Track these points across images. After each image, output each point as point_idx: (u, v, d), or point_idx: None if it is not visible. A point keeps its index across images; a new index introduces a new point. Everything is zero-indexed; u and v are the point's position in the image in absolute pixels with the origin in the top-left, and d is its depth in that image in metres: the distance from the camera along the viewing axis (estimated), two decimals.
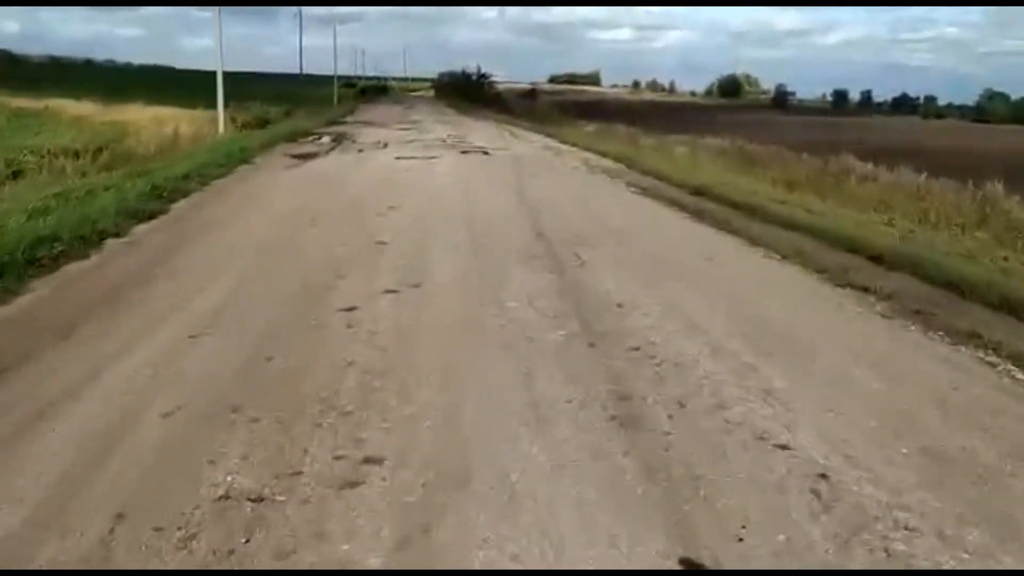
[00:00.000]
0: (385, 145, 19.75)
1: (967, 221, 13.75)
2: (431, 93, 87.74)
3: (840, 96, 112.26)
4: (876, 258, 8.43)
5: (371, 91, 75.85)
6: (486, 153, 18.43)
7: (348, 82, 77.63)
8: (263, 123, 25.97)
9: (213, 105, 27.87)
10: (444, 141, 21.51)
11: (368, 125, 28.92)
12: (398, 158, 16.48)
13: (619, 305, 5.96)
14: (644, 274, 7.01)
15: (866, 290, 6.85)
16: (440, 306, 5.86)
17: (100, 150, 19.53)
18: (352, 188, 11.92)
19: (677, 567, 2.85)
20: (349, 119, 33.13)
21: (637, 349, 4.98)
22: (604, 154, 20.18)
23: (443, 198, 11.05)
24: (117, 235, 8.07)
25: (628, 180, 14.58)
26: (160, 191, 10.58)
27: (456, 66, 75.27)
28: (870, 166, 22.04)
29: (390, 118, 34.35)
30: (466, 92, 62.32)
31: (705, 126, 41.68)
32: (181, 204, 10.17)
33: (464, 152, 18.45)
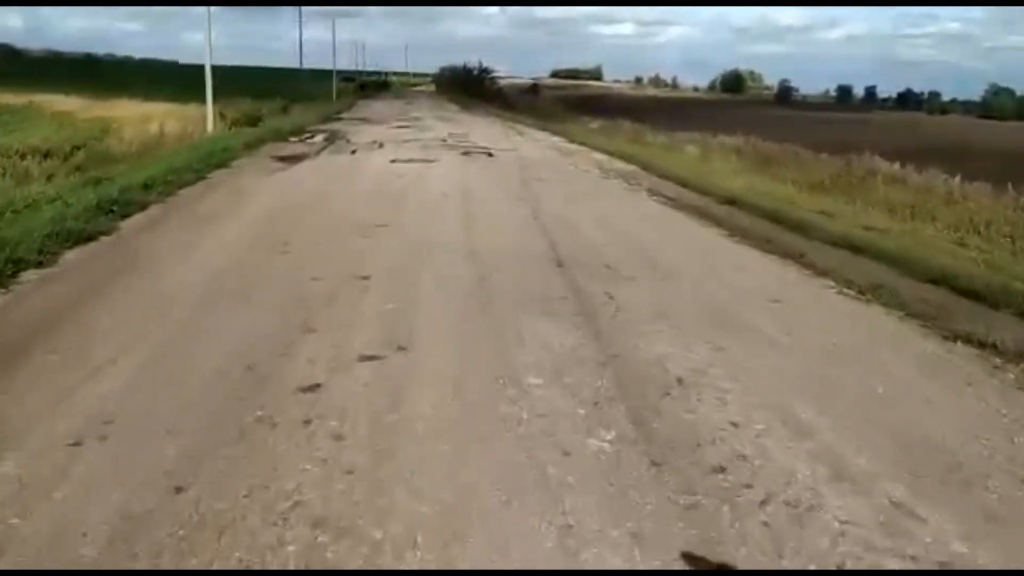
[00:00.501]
0: (381, 145, 18.09)
1: (1016, 232, 12.22)
2: (432, 88, 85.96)
3: (844, 92, 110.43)
4: (970, 294, 6.83)
5: (371, 86, 74.00)
6: (490, 155, 16.78)
7: (348, 77, 75.88)
8: (255, 120, 24.33)
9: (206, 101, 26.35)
10: (444, 141, 19.86)
11: (365, 122, 27.25)
12: (393, 161, 14.83)
13: (679, 381, 4.33)
14: (701, 326, 5.37)
15: (983, 346, 5.24)
16: (435, 384, 4.23)
17: (76, 149, 17.96)
18: (338, 199, 10.29)
19: None
20: (346, 115, 31.45)
21: (722, 471, 3.36)
22: (615, 155, 18.56)
23: (442, 213, 9.41)
24: (40, 264, 6.45)
25: (648, 186, 12.95)
26: (112, 204, 8.93)
27: (457, 61, 73.39)
28: (896, 167, 20.53)
29: (389, 115, 32.66)
30: (468, 87, 60.59)
31: (712, 123, 40.14)
32: (133, 221, 8.51)
33: (466, 153, 16.80)
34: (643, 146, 25.09)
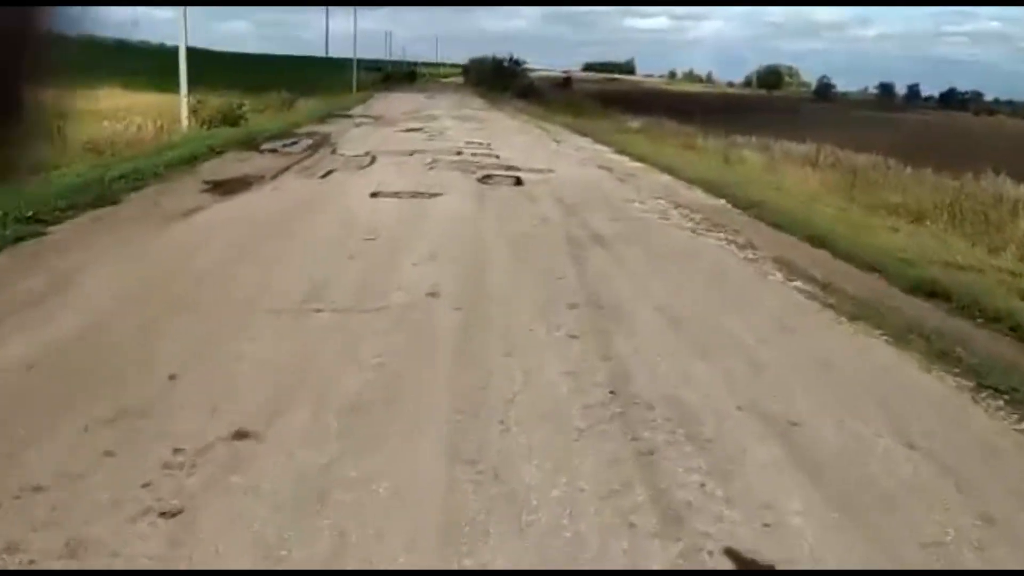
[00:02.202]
0: (372, 160, 13.00)
1: None
2: (461, 80, 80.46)
3: (886, 90, 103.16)
4: None
5: (397, 78, 68.84)
6: (518, 181, 11.54)
7: (376, 67, 70.92)
8: (234, 119, 19.33)
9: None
10: (460, 153, 14.68)
11: (372, 121, 22.20)
12: (375, 194, 9.70)
13: None
14: None
15: None
16: None
17: None
18: (229, 304, 5.20)
19: None
20: (355, 111, 26.40)
21: None
22: (681, 175, 13.43)
23: (406, 376, 4.20)
24: None
25: (767, 250, 7.74)
26: None
27: (489, 52, 67.15)
28: None
29: (403, 111, 27.51)
30: (497, 80, 55.11)
31: (764, 123, 35.08)
32: None
33: (485, 179, 11.58)
34: (698, 154, 19.97)
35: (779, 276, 6.90)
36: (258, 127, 18.92)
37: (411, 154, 14.02)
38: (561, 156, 15.71)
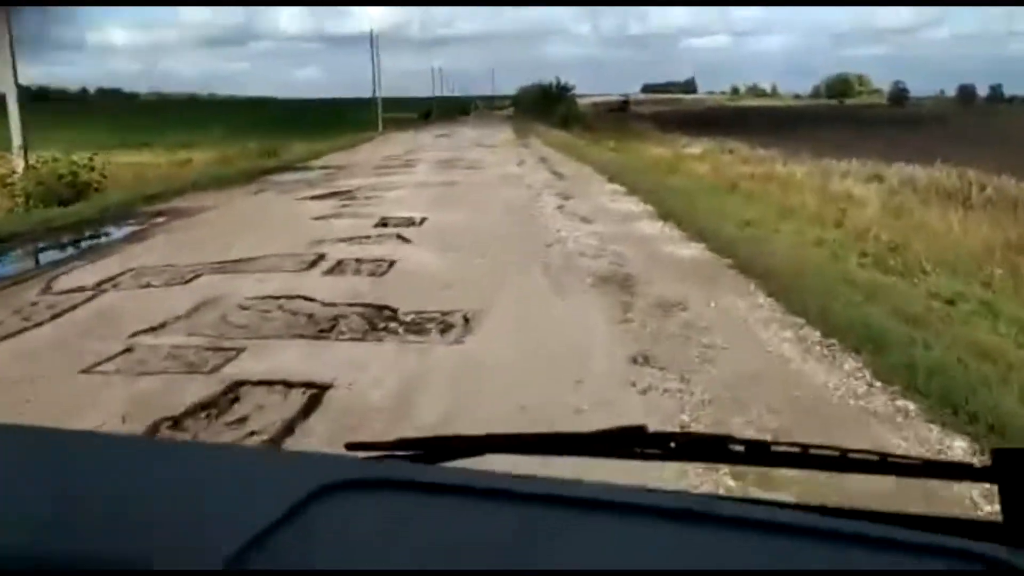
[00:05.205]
0: (41, 323, 4.98)
1: None
2: (512, 112, 72.54)
3: (967, 92, 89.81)
4: None
5: (445, 113, 61.49)
6: None
7: (425, 104, 64.29)
8: (75, 189, 11.66)
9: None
10: (314, 263, 6.43)
11: (312, 180, 14.27)
12: None
13: None
14: None
15: None
16: None
17: None
18: None
19: None
20: (326, 160, 18.51)
21: None
22: (780, 283, 4.77)
23: None
24: None
25: None
26: None
27: (548, 81, 57.58)
28: None
29: (385, 156, 19.50)
30: (544, 108, 46.88)
31: (850, 138, 26.36)
32: None
33: None
34: (787, 194, 11.44)
35: None
36: (103, 201, 11.31)
37: (188, 282, 5.84)
38: (543, 257, 7.22)
